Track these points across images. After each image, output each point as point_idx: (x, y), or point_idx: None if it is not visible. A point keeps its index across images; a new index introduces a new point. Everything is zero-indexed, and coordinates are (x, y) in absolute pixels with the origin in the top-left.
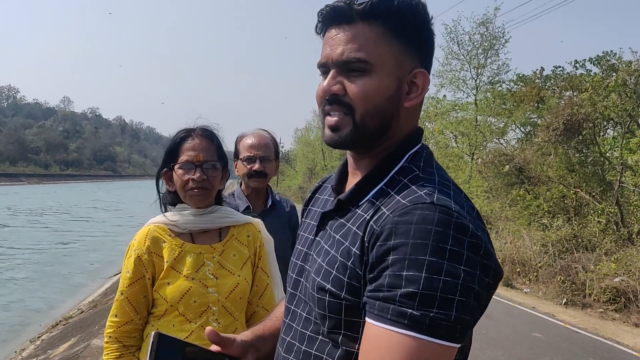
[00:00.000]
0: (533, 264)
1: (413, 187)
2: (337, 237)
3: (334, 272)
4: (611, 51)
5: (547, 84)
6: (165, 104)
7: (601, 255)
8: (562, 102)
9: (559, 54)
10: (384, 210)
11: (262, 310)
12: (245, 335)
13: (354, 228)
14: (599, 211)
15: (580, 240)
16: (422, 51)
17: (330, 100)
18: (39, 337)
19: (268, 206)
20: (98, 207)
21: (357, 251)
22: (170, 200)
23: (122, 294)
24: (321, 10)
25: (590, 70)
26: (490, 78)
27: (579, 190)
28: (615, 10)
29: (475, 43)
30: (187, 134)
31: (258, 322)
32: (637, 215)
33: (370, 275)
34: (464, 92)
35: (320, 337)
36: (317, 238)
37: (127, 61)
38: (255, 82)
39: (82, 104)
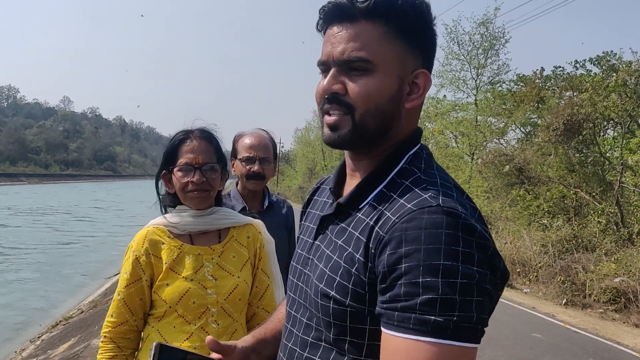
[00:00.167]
0: (533, 264)
1: (416, 189)
2: (339, 242)
3: (338, 278)
4: (611, 51)
5: (547, 84)
6: (163, 103)
7: (601, 255)
8: (562, 102)
9: (559, 54)
10: (389, 215)
11: (262, 312)
12: (246, 340)
13: (357, 233)
14: (599, 211)
15: (580, 240)
16: (424, 51)
17: (330, 99)
18: (39, 337)
19: (264, 207)
20: (99, 207)
21: (361, 258)
22: (170, 201)
23: (118, 294)
24: (323, 7)
25: (591, 71)
26: (491, 78)
27: (579, 190)
28: (615, 10)
29: (476, 43)
30: (185, 135)
31: (259, 323)
32: (637, 215)
33: (383, 286)
34: (464, 92)
35: (323, 344)
36: (317, 242)
37: (127, 61)
38: (255, 81)
39: (82, 103)
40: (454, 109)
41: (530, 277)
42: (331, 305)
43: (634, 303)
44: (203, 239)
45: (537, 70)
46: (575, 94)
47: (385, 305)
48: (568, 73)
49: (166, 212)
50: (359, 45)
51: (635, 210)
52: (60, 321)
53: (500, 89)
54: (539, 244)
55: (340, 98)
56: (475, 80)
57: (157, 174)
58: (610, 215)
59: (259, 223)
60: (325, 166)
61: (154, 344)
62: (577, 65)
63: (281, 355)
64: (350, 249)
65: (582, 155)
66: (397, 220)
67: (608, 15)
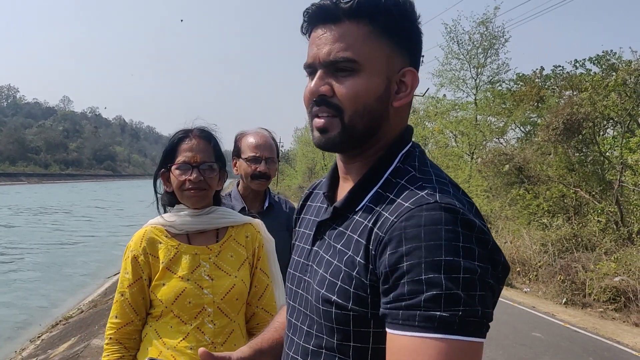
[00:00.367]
0: (533, 264)
1: (412, 188)
2: (338, 246)
3: (339, 283)
4: (611, 50)
5: (547, 84)
6: (163, 103)
7: (601, 254)
8: (562, 101)
9: (558, 53)
10: (386, 215)
11: (261, 312)
12: (242, 351)
13: (356, 236)
14: (599, 210)
15: (580, 239)
16: (410, 50)
17: (318, 102)
18: (39, 336)
19: (265, 208)
20: (99, 206)
21: (361, 260)
22: (168, 201)
23: (122, 295)
24: (307, 9)
25: (590, 70)
26: (490, 77)
27: (578, 189)
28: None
29: (475, 42)
30: (184, 134)
31: (258, 322)
32: (636, 214)
33: (385, 286)
34: (463, 91)
35: (324, 351)
36: (315, 248)
37: (127, 61)
38: (255, 81)
39: (81, 103)
40: (454, 108)
41: (530, 277)
42: (333, 310)
43: (634, 302)
44: (200, 239)
45: (536, 69)
46: (575, 93)
47: (389, 305)
48: (568, 72)
49: (165, 211)
50: (345, 45)
51: (634, 209)
52: (60, 321)
53: (499, 88)
54: (538, 243)
55: (328, 100)
56: (475, 80)
57: (156, 172)
58: (610, 214)
59: (258, 222)
60: (325, 165)
61: (147, 359)
62: (577, 64)
63: None
64: (350, 253)
65: (581, 154)
66: (395, 220)
67: (608, 14)
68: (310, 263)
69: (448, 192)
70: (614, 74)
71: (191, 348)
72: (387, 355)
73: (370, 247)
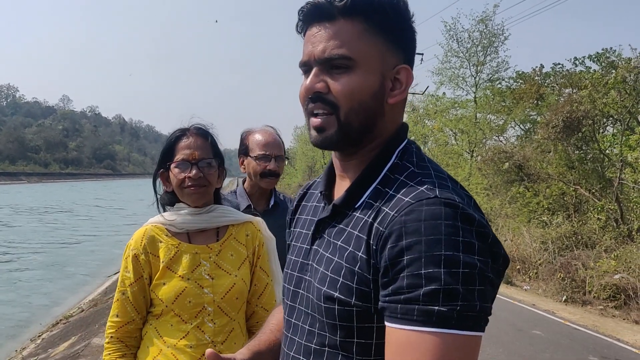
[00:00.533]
0: (533, 261)
1: (412, 183)
2: (339, 243)
3: (341, 279)
4: (610, 48)
5: (547, 81)
6: (162, 102)
7: (601, 252)
8: (562, 99)
9: (558, 51)
10: (386, 210)
11: (261, 310)
12: (242, 353)
13: (356, 232)
14: (599, 208)
15: (580, 237)
16: (404, 47)
17: (314, 99)
18: (39, 335)
19: (270, 206)
20: (99, 205)
21: (363, 255)
22: (168, 200)
23: (123, 293)
24: (301, 8)
25: (590, 68)
26: (490, 75)
27: (578, 187)
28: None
29: (475, 40)
30: (182, 133)
31: (258, 321)
32: (636, 212)
33: (385, 280)
34: (463, 89)
35: (327, 349)
36: (315, 247)
37: (127, 60)
38: (255, 80)
39: (81, 102)
40: (454, 106)
41: (530, 274)
42: (336, 307)
43: (634, 299)
44: (201, 238)
45: (536, 67)
46: (574, 91)
47: (388, 298)
48: (567, 70)
49: (164, 210)
50: (339, 43)
51: (634, 206)
52: (60, 320)
53: (499, 86)
54: (538, 240)
55: (323, 96)
56: (475, 78)
57: (155, 172)
58: (610, 212)
59: (258, 221)
60: (325, 164)
61: None
62: (577, 62)
63: None
64: (350, 248)
65: (581, 152)
66: (396, 214)
67: (607, 13)
68: (310, 262)
69: (447, 186)
70: (613, 71)
71: (191, 347)
72: (385, 348)
73: (371, 242)
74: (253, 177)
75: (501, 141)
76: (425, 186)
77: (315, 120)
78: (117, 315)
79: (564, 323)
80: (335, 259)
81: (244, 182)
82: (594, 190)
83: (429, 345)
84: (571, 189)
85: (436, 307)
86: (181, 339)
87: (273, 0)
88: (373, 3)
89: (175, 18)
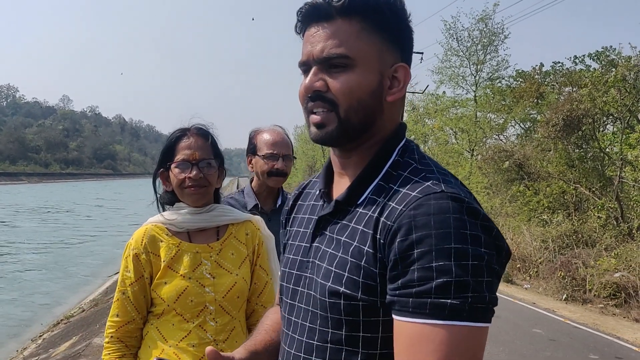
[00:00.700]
0: (533, 260)
1: (416, 179)
2: (343, 238)
3: (346, 274)
4: (610, 46)
5: (547, 80)
6: (162, 102)
7: (601, 250)
8: (562, 97)
9: (558, 49)
10: (393, 205)
11: (261, 309)
12: (239, 352)
13: (361, 227)
14: (599, 207)
15: (580, 235)
16: (402, 46)
17: (313, 97)
18: (40, 336)
19: (277, 206)
20: (100, 205)
21: (369, 249)
22: (168, 200)
23: (123, 293)
24: (300, 8)
25: (590, 66)
26: (490, 74)
27: (578, 185)
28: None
29: (475, 39)
30: (182, 133)
31: (258, 319)
32: (637, 210)
33: (394, 273)
34: (463, 88)
35: (329, 345)
36: (316, 244)
37: (127, 60)
38: (255, 80)
39: (81, 102)
40: (454, 105)
41: (531, 273)
42: (342, 301)
43: (634, 298)
44: (201, 237)
45: (536, 66)
46: (574, 89)
47: (397, 292)
48: (567, 68)
49: (164, 210)
50: (338, 42)
51: (635, 205)
52: (61, 320)
53: (499, 85)
54: (539, 239)
55: (323, 95)
56: (475, 77)
57: (155, 171)
58: (610, 210)
59: (258, 219)
60: None
61: (155, 359)
62: (577, 60)
63: None
64: (356, 243)
65: (581, 150)
66: (404, 209)
67: (607, 11)
68: (310, 259)
69: (451, 182)
70: (613, 70)
71: (193, 345)
72: (395, 341)
73: (378, 236)
74: (261, 176)
75: (501, 140)
76: (430, 181)
77: (315, 117)
78: (117, 315)
79: (565, 321)
80: (340, 254)
81: (251, 181)
82: (594, 189)
83: (442, 337)
84: (571, 187)
85: (448, 300)
86: (183, 338)
87: (273, 0)
88: (370, 3)
89: (175, 18)
